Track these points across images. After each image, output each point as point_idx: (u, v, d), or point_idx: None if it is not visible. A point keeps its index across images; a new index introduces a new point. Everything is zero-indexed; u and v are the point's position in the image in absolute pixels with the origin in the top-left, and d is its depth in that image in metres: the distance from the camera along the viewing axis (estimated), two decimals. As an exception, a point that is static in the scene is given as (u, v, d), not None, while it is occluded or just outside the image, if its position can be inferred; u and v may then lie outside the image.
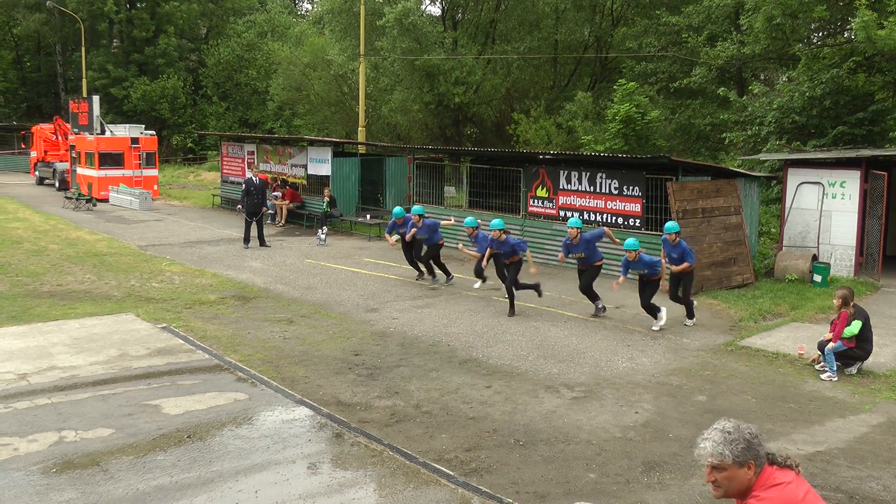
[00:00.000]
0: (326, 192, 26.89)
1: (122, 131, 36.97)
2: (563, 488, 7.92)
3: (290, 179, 29.64)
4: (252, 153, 31.95)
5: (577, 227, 15.20)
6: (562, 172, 20.55)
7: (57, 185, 40.52)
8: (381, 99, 41.30)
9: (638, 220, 18.63)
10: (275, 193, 28.63)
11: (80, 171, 36.61)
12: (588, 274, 15.32)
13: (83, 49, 54.92)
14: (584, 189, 20.04)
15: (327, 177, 27.65)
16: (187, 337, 12.95)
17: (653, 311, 14.41)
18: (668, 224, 14.77)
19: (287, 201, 28.22)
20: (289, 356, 12.03)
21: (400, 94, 38.69)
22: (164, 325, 13.71)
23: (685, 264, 14.27)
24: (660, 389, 10.97)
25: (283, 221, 28.08)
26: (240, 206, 22.69)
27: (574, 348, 12.93)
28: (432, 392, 10.67)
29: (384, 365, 11.84)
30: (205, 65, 63.03)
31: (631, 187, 19.00)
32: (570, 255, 15.44)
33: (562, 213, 20.46)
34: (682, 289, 14.65)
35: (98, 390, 10.34)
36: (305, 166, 28.95)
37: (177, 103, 60.48)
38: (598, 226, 19.24)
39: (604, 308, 15.35)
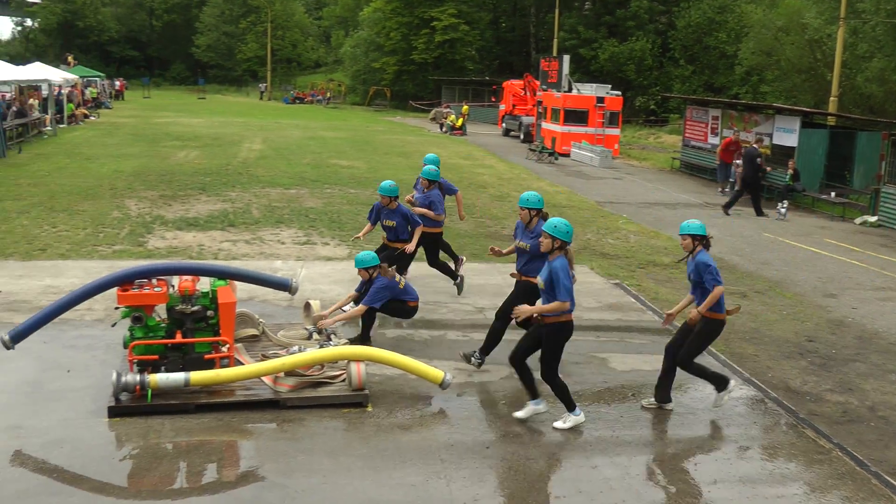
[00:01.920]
0: (791, 164, 25.55)
1: (589, 90, 38.12)
2: None
3: (754, 148, 28.60)
4: (716, 118, 31.27)
5: (527, 208, 9.19)
6: None
7: (521, 137, 42.99)
8: (856, 67, 38.22)
9: None
10: (737, 161, 27.83)
11: (545, 125, 38.43)
12: (518, 292, 9.33)
13: (556, 11, 57.44)
14: None
15: (792, 148, 26.23)
16: (639, 296, 13.05)
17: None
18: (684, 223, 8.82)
19: (748, 171, 27.28)
20: (739, 331, 11.64)
21: (879, 61, 35.49)
22: (617, 281, 13.94)
23: None
24: None
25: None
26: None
27: None
28: (890, 395, 9.69)
29: (839, 357, 11.01)
30: (674, 27, 62.65)
31: None
32: (516, 242, 9.39)
33: None
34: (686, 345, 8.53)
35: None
36: (771, 135, 27.72)
37: (643, 65, 61.04)
38: None
39: (478, 359, 9.47)
